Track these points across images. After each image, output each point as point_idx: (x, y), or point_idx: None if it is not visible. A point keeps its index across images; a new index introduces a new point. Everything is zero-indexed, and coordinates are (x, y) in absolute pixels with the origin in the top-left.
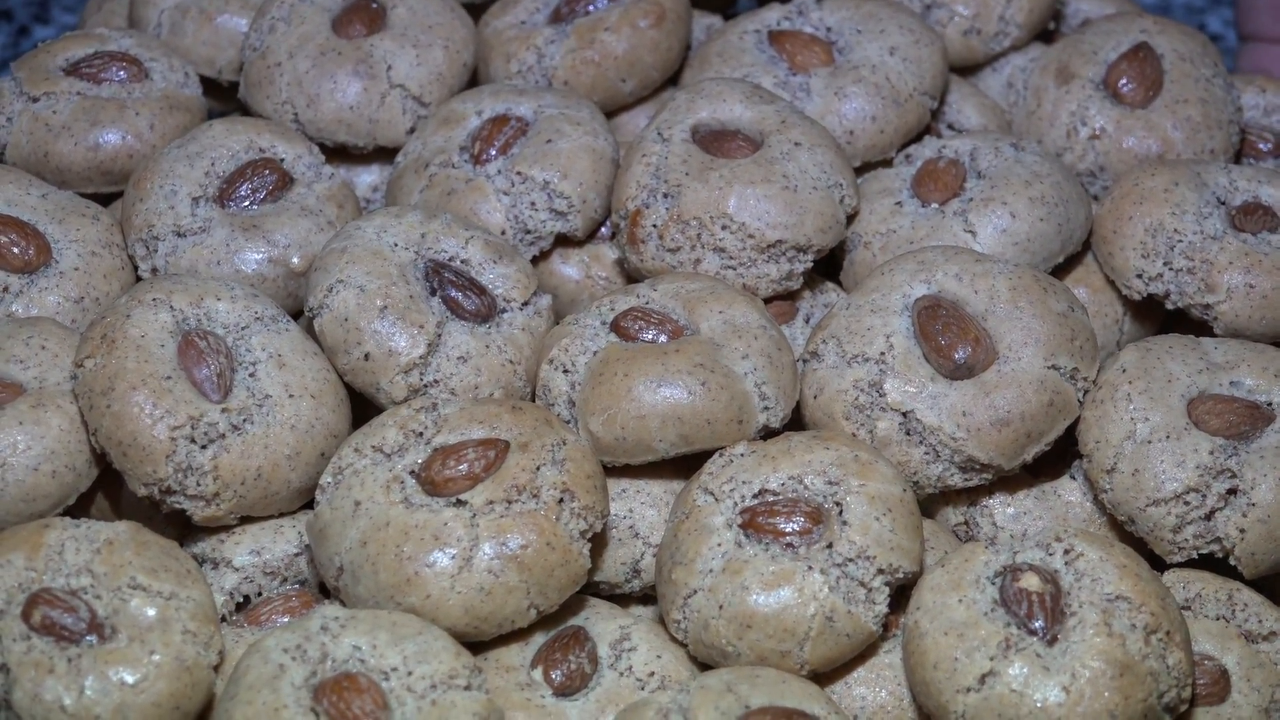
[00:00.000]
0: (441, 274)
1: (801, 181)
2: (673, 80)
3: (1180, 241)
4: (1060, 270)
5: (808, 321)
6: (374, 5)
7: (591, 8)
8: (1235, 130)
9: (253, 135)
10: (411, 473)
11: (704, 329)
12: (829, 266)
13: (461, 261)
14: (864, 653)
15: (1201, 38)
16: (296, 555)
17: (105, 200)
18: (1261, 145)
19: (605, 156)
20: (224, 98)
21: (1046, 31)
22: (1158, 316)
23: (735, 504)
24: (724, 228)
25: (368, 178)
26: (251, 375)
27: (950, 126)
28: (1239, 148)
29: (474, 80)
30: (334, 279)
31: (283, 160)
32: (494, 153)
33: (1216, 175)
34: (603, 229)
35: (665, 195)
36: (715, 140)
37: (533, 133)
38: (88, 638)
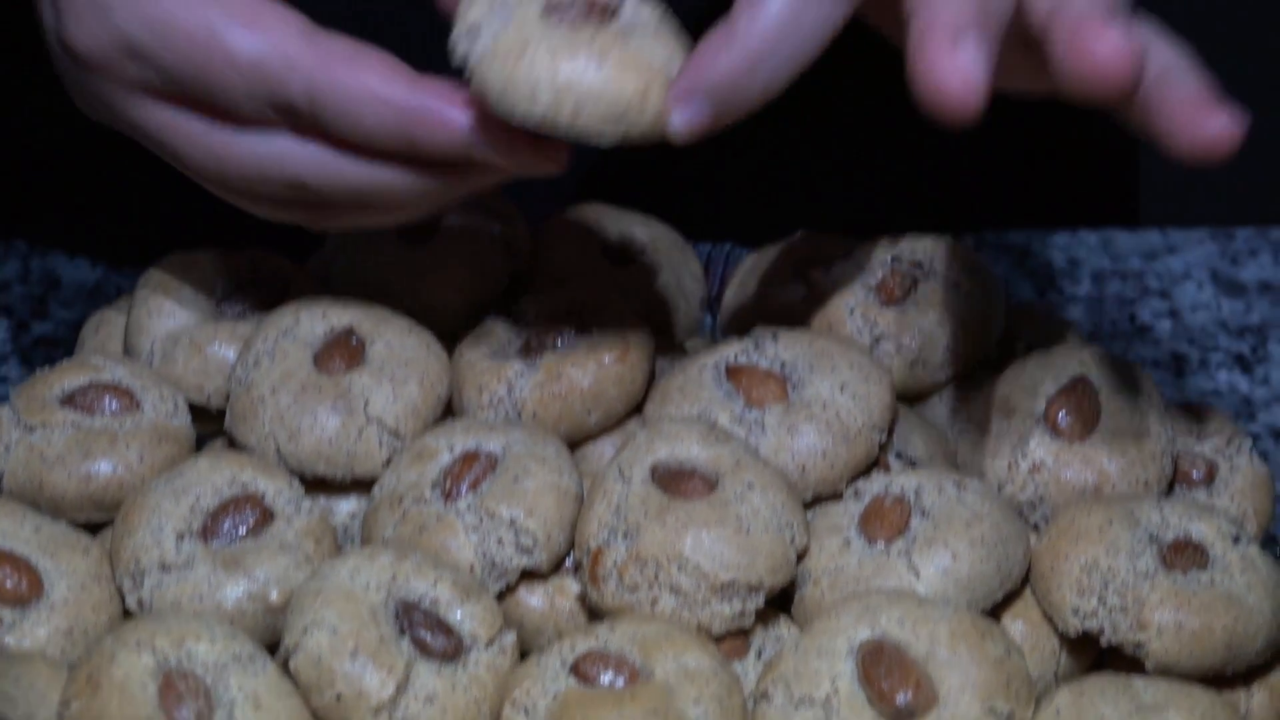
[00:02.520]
0: (411, 615)
1: (754, 523)
2: (637, 409)
3: (1114, 579)
4: (1000, 605)
5: (759, 655)
6: (354, 341)
7: (559, 343)
8: (1168, 460)
9: (235, 470)
10: None
11: (658, 673)
12: (782, 598)
13: (430, 601)
14: None
15: (1137, 369)
16: None
17: (95, 527)
18: (1194, 474)
19: (569, 494)
20: (212, 421)
21: (990, 360)
22: (1094, 649)
23: None
24: (679, 568)
25: (346, 506)
26: (229, 716)
27: (898, 455)
28: (1172, 476)
29: (449, 408)
30: (308, 619)
31: (264, 495)
32: (464, 489)
33: (1149, 512)
34: (567, 561)
35: (625, 535)
36: (673, 480)
37: (501, 469)
38: None
